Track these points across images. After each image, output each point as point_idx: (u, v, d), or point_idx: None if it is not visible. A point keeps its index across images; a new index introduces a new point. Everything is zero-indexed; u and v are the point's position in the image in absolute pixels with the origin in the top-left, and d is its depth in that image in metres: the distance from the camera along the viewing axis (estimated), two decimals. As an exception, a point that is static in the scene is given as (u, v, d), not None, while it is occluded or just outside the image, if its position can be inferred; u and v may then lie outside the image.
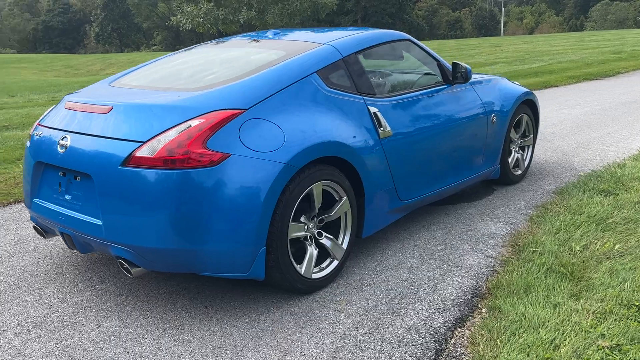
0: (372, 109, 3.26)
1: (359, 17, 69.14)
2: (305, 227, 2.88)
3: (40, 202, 2.98)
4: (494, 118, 4.24)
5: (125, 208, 2.54)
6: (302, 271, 2.85)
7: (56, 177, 2.89)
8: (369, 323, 2.65)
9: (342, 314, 2.74)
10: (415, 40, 3.87)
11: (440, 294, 2.93)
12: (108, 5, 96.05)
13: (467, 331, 2.64)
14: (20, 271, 3.32)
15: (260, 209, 2.56)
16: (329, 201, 3.02)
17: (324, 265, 3.01)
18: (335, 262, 3.05)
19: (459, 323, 2.70)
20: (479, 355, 2.36)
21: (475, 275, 3.13)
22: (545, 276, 3.05)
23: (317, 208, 2.91)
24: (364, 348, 2.45)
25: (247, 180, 2.55)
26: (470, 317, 2.75)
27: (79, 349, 2.48)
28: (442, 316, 2.71)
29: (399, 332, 2.58)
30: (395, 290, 2.97)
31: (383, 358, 2.37)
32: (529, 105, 4.80)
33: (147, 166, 2.49)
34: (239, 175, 2.55)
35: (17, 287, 3.12)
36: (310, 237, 2.93)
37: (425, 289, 2.97)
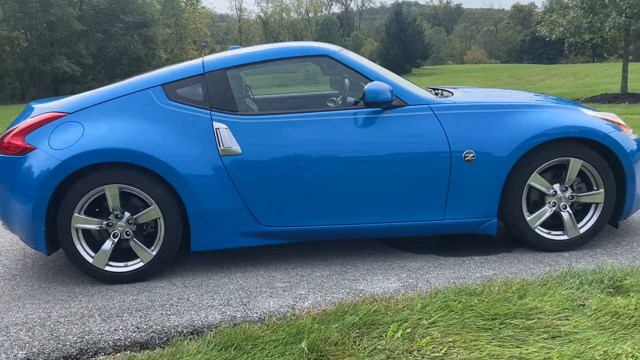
0: (217, 125, 3.22)
1: None
2: (105, 222, 3.20)
3: None
4: (469, 156, 3.26)
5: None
6: (92, 261, 3.21)
7: None
8: (72, 317, 2.85)
9: (70, 304, 3.01)
10: (339, 57, 3.38)
11: (154, 321, 2.78)
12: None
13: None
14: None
15: (35, 195, 3.10)
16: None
17: (130, 262, 3.26)
18: (141, 264, 3.24)
19: (110, 349, 2.60)
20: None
21: (225, 320, 2.78)
22: (276, 345, 2.50)
23: (111, 208, 3.18)
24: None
25: (34, 171, 3.13)
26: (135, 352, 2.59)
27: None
28: (116, 335, 2.67)
29: (47, 330, 2.72)
30: (145, 304, 2.97)
31: None
32: (597, 149, 3.37)
33: (-2, 150, 3.36)
34: (32, 165, 3.15)
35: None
36: (114, 233, 3.22)
37: (163, 314, 2.87)
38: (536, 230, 3.43)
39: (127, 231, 3.23)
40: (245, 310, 2.87)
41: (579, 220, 3.47)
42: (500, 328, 2.54)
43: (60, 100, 3.45)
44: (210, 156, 3.19)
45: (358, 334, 2.56)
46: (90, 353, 2.57)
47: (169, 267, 3.44)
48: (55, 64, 39.44)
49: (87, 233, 3.24)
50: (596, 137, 3.32)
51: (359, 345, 2.47)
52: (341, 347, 2.46)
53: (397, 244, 3.77)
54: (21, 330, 2.74)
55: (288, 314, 2.80)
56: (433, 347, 2.42)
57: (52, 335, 2.69)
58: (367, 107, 3.25)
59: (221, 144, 3.19)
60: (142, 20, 44.52)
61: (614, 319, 2.54)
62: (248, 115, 3.28)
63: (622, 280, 2.89)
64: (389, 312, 2.74)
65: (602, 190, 3.40)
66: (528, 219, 3.40)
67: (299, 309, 2.86)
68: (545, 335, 2.47)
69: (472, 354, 2.37)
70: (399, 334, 2.54)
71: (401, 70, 73.00)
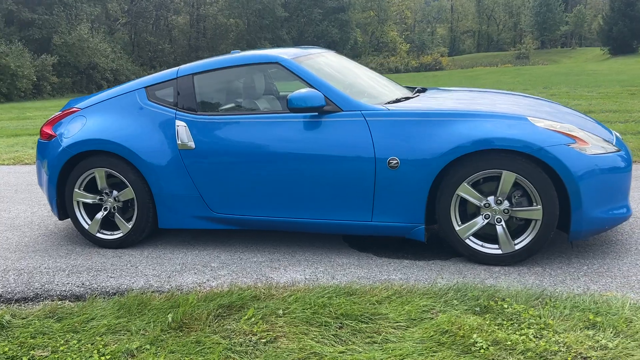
0: (178, 123, 3.77)
1: None
2: (98, 198, 3.98)
3: None
4: (393, 162, 3.35)
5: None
6: (87, 227, 4.02)
7: None
8: (52, 270, 3.68)
9: (61, 260, 3.83)
10: (288, 64, 3.65)
11: (96, 281, 3.46)
12: None
13: None
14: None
15: (48, 173, 4.00)
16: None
17: (115, 232, 4.01)
18: (121, 234, 3.97)
19: (55, 297, 3.34)
20: None
21: (144, 288, 3.36)
22: (155, 313, 3.02)
23: (100, 187, 3.94)
24: None
25: (50, 154, 4.03)
26: None
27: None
28: (65, 287, 3.42)
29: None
30: (105, 266, 3.68)
31: None
32: (539, 163, 3.21)
33: (41, 136, 4.36)
34: (51, 149, 4.05)
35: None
36: (105, 207, 3.99)
37: (108, 276, 3.54)
38: (466, 241, 3.38)
39: (114, 206, 3.98)
40: (162, 282, 3.42)
41: (518, 235, 3.34)
42: (334, 327, 2.72)
43: (85, 99, 4.31)
44: (170, 149, 3.77)
45: (221, 313, 2.95)
46: (42, 298, 3.35)
47: (151, 239, 4.14)
48: (260, 49, 43.50)
49: (88, 205, 4.06)
50: (528, 150, 3.16)
51: (213, 322, 2.87)
52: (198, 322, 2.88)
53: (352, 241, 3.96)
54: (13, 275, 3.64)
55: (191, 290, 3.28)
56: (265, 334, 2.72)
57: (27, 281, 3.53)
58: (292, 113, 3.52)
59: (179, 140, 3.75)
60: (340, 5, 46.73)
61: (438, 335, 2.56)
62: (203, 115, 3.78)
63: (498, 302, 2.82)
64: (265, 299, 3.06)
65: (539, 206, 3.23)
66: (457, 228, 3.38)
67: (202, 287, 3.32)
68: (367, 340, 2.61)
69: (291, 344, 2.63)
70: (252, 319, 2.88)
71: (626, 50, 64.82)
